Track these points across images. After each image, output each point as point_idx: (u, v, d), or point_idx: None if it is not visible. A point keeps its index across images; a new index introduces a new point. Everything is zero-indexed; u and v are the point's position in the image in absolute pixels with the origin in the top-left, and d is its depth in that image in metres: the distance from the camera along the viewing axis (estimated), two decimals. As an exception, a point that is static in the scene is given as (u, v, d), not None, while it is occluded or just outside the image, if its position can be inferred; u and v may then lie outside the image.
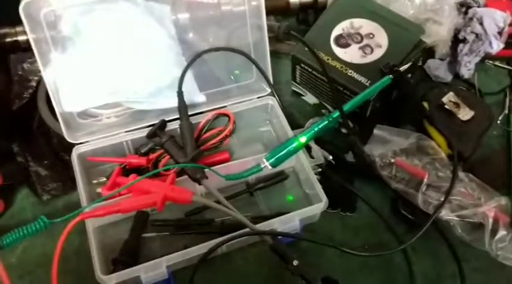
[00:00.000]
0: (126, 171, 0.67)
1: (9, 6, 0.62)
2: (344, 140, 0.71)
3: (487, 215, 0.61)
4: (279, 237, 0.58)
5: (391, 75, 0.66)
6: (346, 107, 0.66)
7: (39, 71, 0.63)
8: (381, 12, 0.73)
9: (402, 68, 0.67)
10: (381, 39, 0.71)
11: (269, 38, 0.72)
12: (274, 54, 0.80)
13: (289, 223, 0.61)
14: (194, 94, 0.71)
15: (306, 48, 0.71)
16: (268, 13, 0.71)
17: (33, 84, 0.71)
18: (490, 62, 0.86)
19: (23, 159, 0.68)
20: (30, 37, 0.60)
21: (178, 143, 0.65)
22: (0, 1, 0.76)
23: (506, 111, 0.80)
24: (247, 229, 0.58)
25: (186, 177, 0.62)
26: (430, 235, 0.63)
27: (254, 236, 0.60)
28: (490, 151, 0.74)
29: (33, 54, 0.62)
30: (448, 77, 0.81)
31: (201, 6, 0.71)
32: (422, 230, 0.59)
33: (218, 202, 0.59)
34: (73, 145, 0.66)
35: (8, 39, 0.73)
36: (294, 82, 0.80)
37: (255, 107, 0.74)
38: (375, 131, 0.68)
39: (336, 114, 0.65)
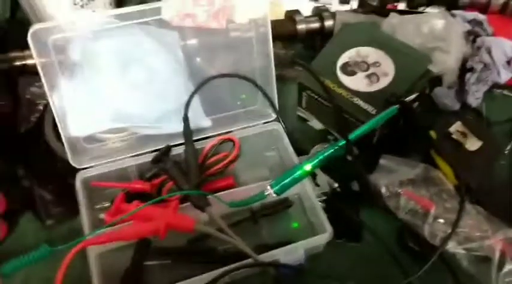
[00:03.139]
0: (130, 196, 0.66)
1: (18, 30, 0.62)
2: (350, 168, 0.71)
3: (494, 248, 0.60)
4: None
5: (397, 105, 0.66)
6: (352, 136, 0.65)
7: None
8: (387, 41, 0.73)
9: (408, 98, 0.67)
10: (388, 68, 0.71)
11: (275, 63, 0.72)
12: (281, 78, 0.80)
13: (293, 254, 0.60)
14: (200, 119, 0.72)
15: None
16: (275, 39, 0.71)
17: (41, 107, 0.71)
18: (498, 90, 0.85)
19: (27, 182, 0.68)
20: (38, 62, 0.61)
21: (183, 169, 0.65)
22: (10, 25, 0.78)
23: (515, 140, 0.79)
24: (250, 260, 0.57)
25: (189, 203, 0.62)
26: (436, 267, 0.61)
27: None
28: (498, 182, 0.73)
29: (40, 78, 0.62)
30: (456, 106, 0.80)
31: (210, 32, 0.71)
32: (429, 264, 0.58)
33: (221, 230, 0.59)
34: (78, 169, 0.66)
35: (17, 63, 0.74)
36: (300, 108, 0.80)
37: (261, 132, 0.74)
38: (381, 161, 0.68)
39: (342, 142, 0.65)
